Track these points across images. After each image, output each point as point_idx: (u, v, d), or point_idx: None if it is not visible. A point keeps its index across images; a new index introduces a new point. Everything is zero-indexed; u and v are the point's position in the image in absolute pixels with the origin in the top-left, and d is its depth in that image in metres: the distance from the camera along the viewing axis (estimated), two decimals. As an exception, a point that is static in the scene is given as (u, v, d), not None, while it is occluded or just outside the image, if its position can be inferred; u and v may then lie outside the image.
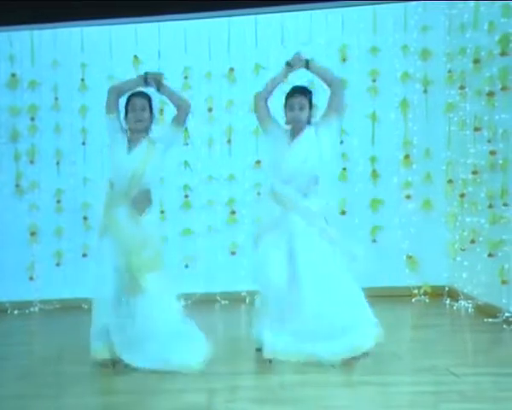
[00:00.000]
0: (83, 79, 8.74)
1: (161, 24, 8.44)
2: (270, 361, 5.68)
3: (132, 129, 5.88)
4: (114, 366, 5.70)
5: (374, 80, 8.58)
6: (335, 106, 5.90)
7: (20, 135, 8.75)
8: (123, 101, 5.99)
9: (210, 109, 8.63)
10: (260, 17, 8.43)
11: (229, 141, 8.67)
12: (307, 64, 5.92)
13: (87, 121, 8.73)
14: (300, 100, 5.86)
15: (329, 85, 5.92)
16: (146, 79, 5.95)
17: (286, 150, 5.83)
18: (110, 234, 5.80)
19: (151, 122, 5.99)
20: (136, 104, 5.86)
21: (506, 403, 4.55)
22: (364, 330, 5.71)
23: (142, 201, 5.79)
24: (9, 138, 8.74)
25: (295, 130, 5.90)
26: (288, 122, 5.95)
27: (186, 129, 8.39)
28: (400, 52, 8.52)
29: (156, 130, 6.09)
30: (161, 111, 7.92)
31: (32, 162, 8.75)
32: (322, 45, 8.52)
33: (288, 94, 5.97)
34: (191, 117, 8.43)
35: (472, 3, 7.55)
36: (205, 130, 8.64)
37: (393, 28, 8.51)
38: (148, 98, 5.98)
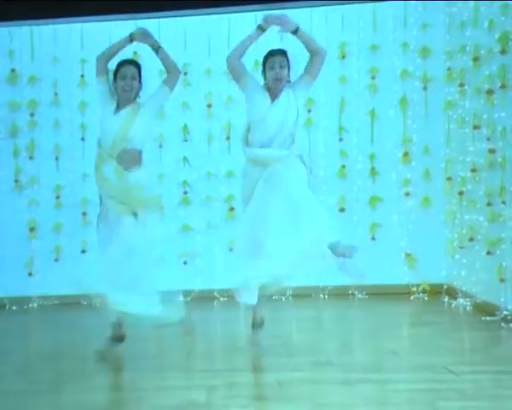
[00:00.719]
0: (82, 75, 8.73)
1: (161, 20, 8.42)
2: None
3: (121, 96, 5.87)
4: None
5: (373, 78, 8.57)
6: (314, 72, 5.94)
7: (20, 130, 8.75)
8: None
9: (209, 106, 8.63)
10: (260, 14, 8.39)
11: (228, 137, 8.65)
12: (296, 30, 5.94)
13: (86, 117, 8.72)
14: (281, 59, 5.90)
15: (313, 53, 5.94)
16: (131, 37, 6.01)
17: (267, 111, 5.81)
18: (99, 190, 5.87)
19: (140, 89, 5.97)
20: (126, 73, 5.83)
21: (504, 401, 4.55)
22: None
23: (128, 159, 5.75)
24: (9, 134, 8.75)
25: (275, 89, 5.87)
26: (268, 81, 5.93)
27: (185, 125, 8.41)
28: (400, 50, 8.52)
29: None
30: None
31: (31, 158, 8.75)
32: (322, 42, 8.49)
33: (266, 55, 6.03)
34: (190, 113, 8.50)
35: (472, 2, 7.55)
36: (204, 126, 8.64)
37: (393, 26, 8.51)
38: (138, 67, 5.97)
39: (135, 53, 8.55)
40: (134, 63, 5.99)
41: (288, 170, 5.77)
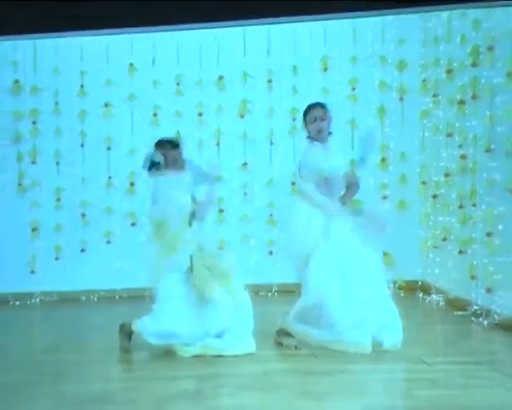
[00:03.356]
0: (82, 86, 8.71)
1: (156, 35, 8.42)
2: (296, 347, 5.80)
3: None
4: None
5: (353, 88, 8.59)
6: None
7: (23, 137, 8.71)
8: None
9: (200, 114, 8.62)
10: (248, 29, 8.43)
11: (217, 144, 8.65)
12: None
13: (85, 125, 8.71)
14: (320, 112, 5.90)
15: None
16: None
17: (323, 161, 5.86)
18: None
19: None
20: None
21: (474, 390, 4.58)
22: (391, 328, 5.75)
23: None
24: (13, 140, 8.71)
25: (318, 140, 5.93)
26: (310, 133, 5.96)
27: (178, 132, 8.39)
28: (378, 62, 8.54)
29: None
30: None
31: (33, 163, 8.72)
32: (306, 55, 8.53)
33: (305, 110, 6.03)
34: (182, 121, 8.47)
35: (445, 18, 7.58)
36: (195, 133, 8.61)
37: (372, 40, 8.52)
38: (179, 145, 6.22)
39: (131, 65, 8.58)
40: (176, 144, 6.20)
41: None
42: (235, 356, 5.57)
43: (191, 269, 5.77)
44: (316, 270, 5.77)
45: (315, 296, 5.77)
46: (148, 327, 5.77)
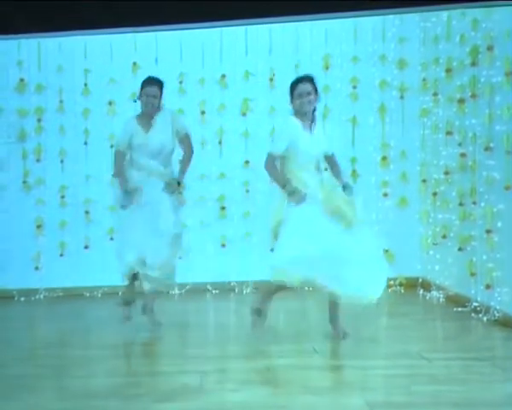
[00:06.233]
0: (86, 84, 8.71)
1: (158, 33, 8.42)
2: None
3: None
4: None
5: (354, 87, 8.58)
6: None
7: (28, 135, 8.72)
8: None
9: (203, 112, 8.61)
10: (250, 28, 8.43)
11: (220, 142, 8.65)
12: None
13: (89, 123, 8.71)
14: (308, 87, 5.75)
15: None
16: None
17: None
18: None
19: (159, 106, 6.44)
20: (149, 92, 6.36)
21: (473, 385, 4.57)
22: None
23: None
24: (18, 138, 8.72)
25: (306, 118, 5.84)
26: (296, 110, 5.83)
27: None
28: (379, 61, 8.54)
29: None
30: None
31: (38, 160, 8.72)
32: (307, 54, 8.52)
33: (293, 82, 5.85)
34: (185, 119, 8.46)
35: (445, 17, 7.57)
36: (198, 131, 8.57)
37: (372, 39, 8.53)
38: (160, 85, 6.47)
39: (134, 64, 8.58)
40: (157, 82, 6.44)
41: None
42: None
43: None
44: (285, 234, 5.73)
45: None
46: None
